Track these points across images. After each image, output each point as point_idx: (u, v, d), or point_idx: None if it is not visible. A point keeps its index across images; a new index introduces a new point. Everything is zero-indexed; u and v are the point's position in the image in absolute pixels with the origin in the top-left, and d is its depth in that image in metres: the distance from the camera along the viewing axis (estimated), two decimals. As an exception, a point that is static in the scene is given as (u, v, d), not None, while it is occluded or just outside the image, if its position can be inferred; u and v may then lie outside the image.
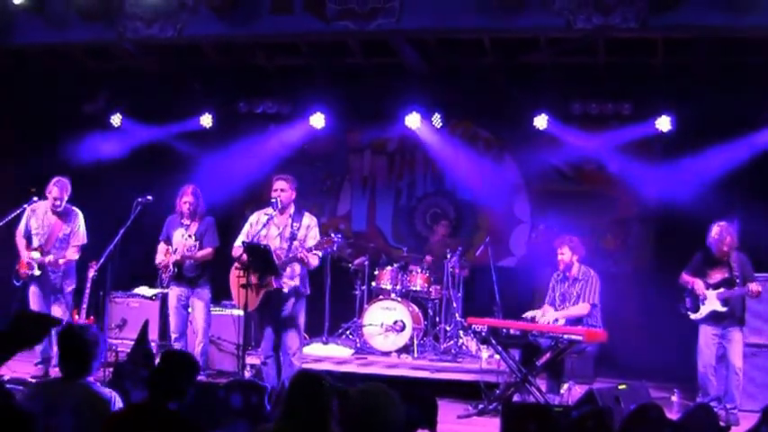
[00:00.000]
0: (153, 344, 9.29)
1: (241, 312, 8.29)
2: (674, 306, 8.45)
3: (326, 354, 9.74)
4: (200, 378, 4.84)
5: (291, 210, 8.03)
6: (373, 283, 10.44)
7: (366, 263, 10.58)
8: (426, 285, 10.24)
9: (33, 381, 8.10)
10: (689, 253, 8.47)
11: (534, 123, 10.65)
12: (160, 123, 11.57)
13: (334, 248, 7.98)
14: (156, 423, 4.06)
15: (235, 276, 7.92)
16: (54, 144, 10.90)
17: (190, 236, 8.74)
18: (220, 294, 9.23)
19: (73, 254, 8.87)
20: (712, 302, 8.10)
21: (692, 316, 8.27)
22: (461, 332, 10.08)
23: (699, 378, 8.21)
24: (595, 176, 11.49)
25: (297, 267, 7.90)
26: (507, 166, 11.93)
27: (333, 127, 11.39)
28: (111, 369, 7.52)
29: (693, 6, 8.07)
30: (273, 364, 7.94)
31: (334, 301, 10.44)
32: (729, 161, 9.76)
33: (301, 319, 8.00)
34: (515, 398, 7.98)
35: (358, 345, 10.05)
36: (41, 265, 8.69)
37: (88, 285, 8.79)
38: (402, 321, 9.78)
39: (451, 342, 10.01)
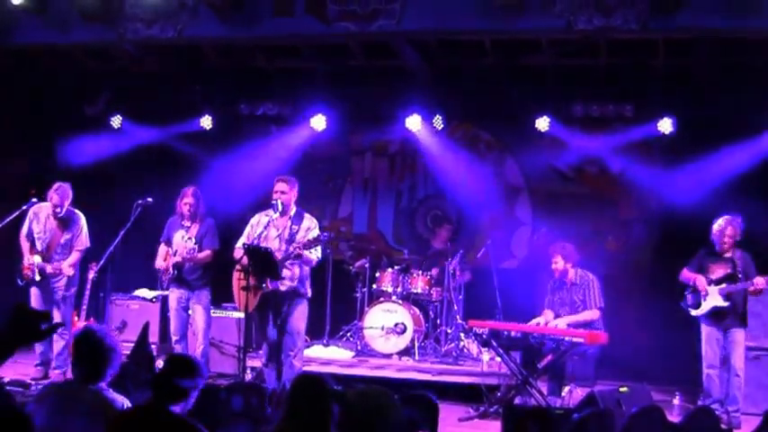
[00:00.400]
0: (153, 346, 9.29)
1: (242, 314, 8.27)
2: (676, 308, 8.43)
3: (327, 356, 9.72)
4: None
5: (292, 212, 8.00)
6: (374, 286, 10.42)
7: (367, 265, 10.56)
8: (427, 288, 10.22)
9: (33, 382, 8.11)
10: (690, 255, 8.46)
11: (535, 125, 10.64)
12: (160, 125, 11.56)
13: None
14: (158, 425, 4.04)
15: (236, 279, 7.91)
16: (54, 145, 10.92)
17: (190, 238, 8.72)
18: (221, 297, 9.22)
19: (73, 261, 8.82)
20: (714, 298, 8.08)
21: (694, 312, 8.25)
22: (462, 334, 10.06)
23: (703, 380, 8.19)
24: (597, 178, 11.47)
25: (296, 269, 7.87)
26: (508, 167, 11.91)
27: (334, 129, 11.37)
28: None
29: (694, 8, 8.06)
30: (274, 366, 7.92)
31: (335, 303, 10.42)
32: (731, 163, 9.74)
33: (302, 321, 7.97)
34: (516, 400, 7.97)
35: (359, 347, 10.03)
36: (42, 271, 8.68)
37: (88, 287, 8.80)
38: (403, 324, 9.76)
39: (453, 344, 9.99)
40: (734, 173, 9.70)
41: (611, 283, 9.26)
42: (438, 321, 10.33)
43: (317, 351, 9.85)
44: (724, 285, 8.06)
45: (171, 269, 8.73)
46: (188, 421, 4.07)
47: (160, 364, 9.30)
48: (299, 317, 7.93)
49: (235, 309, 8.68)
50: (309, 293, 8.07)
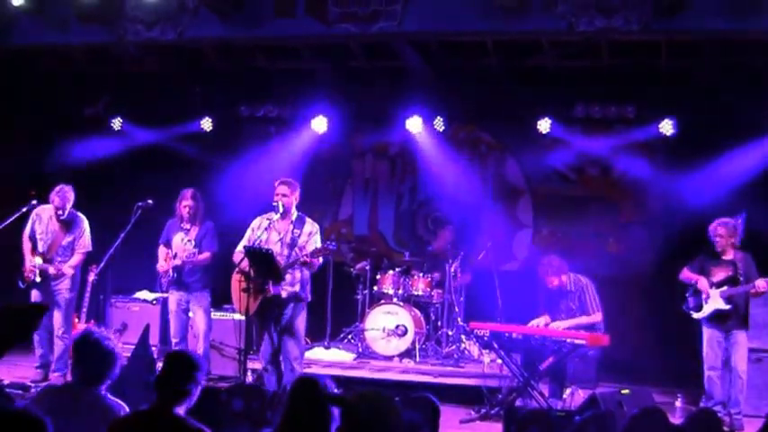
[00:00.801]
0: (154, 348, 9.27)
1: (242, 317, 8.25)
2: (677, 310, 8.41)
3: (328, 358, 9.70)
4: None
5: (294, 216, 7.97)
6: (375, 288, 10.39)
7: (368, 267, 10.53)
8: (428, 289, 10.19)
9: (32, 385, 8.10)
10: (692, 258, 8.44)
11: (537, 126, 10.62)
12: (160, 126, 11.54)
13: (329, 256, 7.94)
14: (164, 429, 4.03)
15: (236, 281, 7.89)
16: (54, 146, 10.90)
17: (189, 240, 8.71)
18: (222, 299, 9.20)
19: (75, 263, 8.80)
20: (715, 301, 8.06)
21: (695, 315, 8.23)
22: (463, 336, 10.04)
23: (705, 382, 8.16)
24: (598, 180, 11.45)
25: (297, 273, 7.85)
26: (509, 169, 11.89)
27: (334, 130, 11.34)
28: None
29: (696, 9, 8.04)
30: (274, 369, 7.89)
31: (336, 305, 10.39)
32: (733, 164, 9.72)
33: (302, 325, 7.94)
34: (518, 402, 7.95)
35: (360, 349, 10.00)
36: (43, 272, 8.66)
37: (88, 289, 8.78)
38: (404, 326, 9.74)
39: (454, 346, 9.97)
40: (737, 175, 9.67)
41: (612, 284, 9.24)
42: (439, 323, 10.30)
43: (318, 353, 9.83)
44: (725, 288, 8.04)
45: (170, 271, 8.72)
46: (194, 424, 4.06)
47: (161, 366, 9.30)
48: (299, 321, 7.90)
49: (235, 310, 8.65)
50: (309, 297, 8.05)
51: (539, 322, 8.39)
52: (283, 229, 7.91)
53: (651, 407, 6.02)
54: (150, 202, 8.94)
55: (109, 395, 4.49)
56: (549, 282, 8.40)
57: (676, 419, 7.20)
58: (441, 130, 11.12)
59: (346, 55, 10.34)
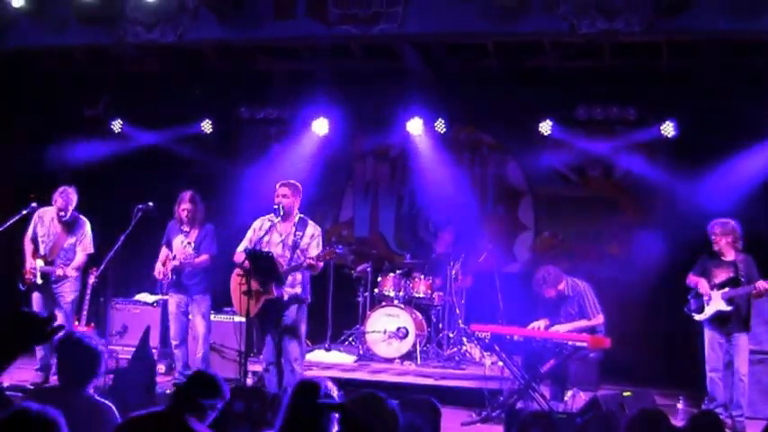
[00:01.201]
0: (154, 350, 9.26)
1: (243, 319, 8.23)
2: (679, 312, 8.39)
3: (329, 361, 9.69)
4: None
5: (296, 218, 7.94)
6: (376, 290, 10.39)
7: (369, 269, 10.53)
8: (429, 292, 10.18)
9: (33, 387, 8.07)
10: (693, 259, 8.42)
11: (538, 128, 10.60)
12: (160, 128, 11.51)
13: (338, 257, 7.93)
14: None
15: (236, 283, 7.85)
16: (54, 148, 10.88)
17: (189, 243, 8.69)
18: (223, 302, 9.17)
19: (78, 264, 8.78)
20: (717, 302, 8.03)
21: (697, 317, 8.20)
22: (465, 339, 10.04)
23: (707, 384, 8.14)
24: (600, 181, 11.42)
25: (298, 275, 7.83)
26: (511, 170, 11.86)
27: (335, 132, 11.32)
28: (111, 376, 7.49)
29: (699, 10, 8.02)
30: (275, 371, 7.86)
31: (337, 307, 10.38)
32: (735, 166, 9.69)
33: (303, 327, 7.93)
34: (519, 405, 7.92)
35: (361, 352, 10.00)
36: (44, 274, 8.64)
37: (89, 292, 8.76)
38: (405, 328, 9.73)
39: (455, 349, 9.96)
40: (739, 176, 9.65)
41: (613, 287, 9.22)
42: (440, 326, 10.30)
43: (319, 355, 9.83)
44: (727, 289, 8.01)
45: (170, 274, 8.70)
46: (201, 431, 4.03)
47: (161, 368, 9.29)
48: (300, 322, 7.89)
49: (235, 313, 8.64)
50: (310, 299, 8.03)
51: (539, 325, 8.36)
52: (285, 231, 7.88)
53: (652, 409, 5.99)
54: (150, 204, 8.91)
55: (95, 395, 4.45)
56: (546, 293, 8.38)
57: (678, 422, 7.18)
58: (442, 131, 11.09)
59: (346, 56, 10.32)
